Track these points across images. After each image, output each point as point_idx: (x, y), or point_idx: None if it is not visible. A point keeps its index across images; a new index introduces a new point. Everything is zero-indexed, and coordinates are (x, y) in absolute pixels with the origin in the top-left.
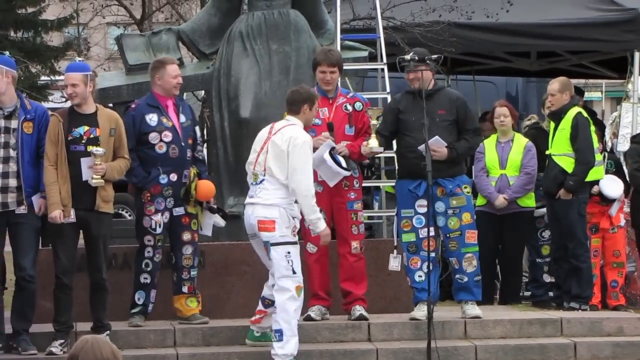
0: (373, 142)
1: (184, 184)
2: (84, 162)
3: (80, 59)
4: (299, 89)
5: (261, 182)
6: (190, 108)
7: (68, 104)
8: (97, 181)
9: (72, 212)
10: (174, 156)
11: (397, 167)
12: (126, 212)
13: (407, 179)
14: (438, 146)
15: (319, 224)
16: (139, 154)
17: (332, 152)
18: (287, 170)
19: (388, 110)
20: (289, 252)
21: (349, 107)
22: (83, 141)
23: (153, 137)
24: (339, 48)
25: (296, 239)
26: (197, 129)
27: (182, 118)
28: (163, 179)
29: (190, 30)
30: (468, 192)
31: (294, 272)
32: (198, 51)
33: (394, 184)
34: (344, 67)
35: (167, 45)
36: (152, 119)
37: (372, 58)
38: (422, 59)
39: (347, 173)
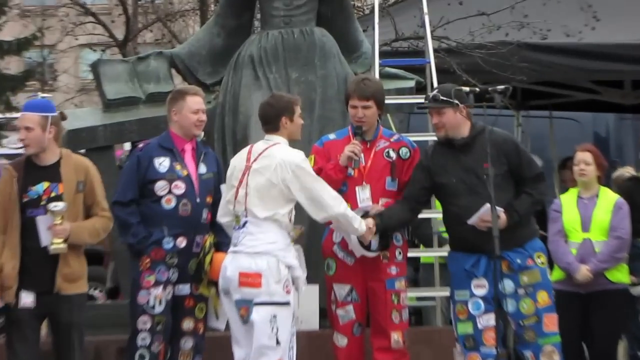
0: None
1: (195, 255)
2: (41, 221)
3: (44, 95)
4: (269, 101)
5: (244, 225)
6: (216, 158)
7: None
8: (57, 246)
9: (31, 295)
10: (184, 214)
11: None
12: (99, 291)
13: (461, 251)
14: (491, 215)
15: (363, 227)
16: (140, 208)
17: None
18: (279, 204)
19: (417, 170)
20: (274, 316)
21: (392, 154)
22: (42, 202)
23: (161, 186)
24: (377, 76)
25: (289, 298)
26: (223, 187)
27: (202, 168)
28: (168, 243)
29: (187, 54)
30: (543, 264)
31: (278, 343)
32: (196, 81)
33: (440, 253)
34: (386, 101)
35: (157, 73)
36: (162, 163)
37: (421, 89)
38: (438, 98)
39: (373, 254)
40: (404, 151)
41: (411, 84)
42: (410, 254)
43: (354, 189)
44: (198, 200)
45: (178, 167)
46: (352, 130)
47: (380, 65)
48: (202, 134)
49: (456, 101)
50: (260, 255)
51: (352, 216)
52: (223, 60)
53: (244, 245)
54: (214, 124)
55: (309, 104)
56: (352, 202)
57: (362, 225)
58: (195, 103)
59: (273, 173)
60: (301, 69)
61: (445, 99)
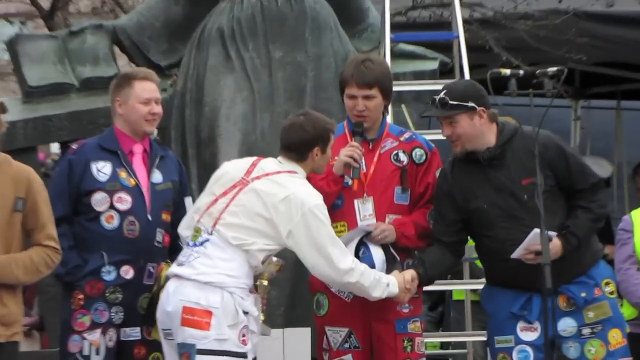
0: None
1: (146, 289)
2: None
3: None
4: (301, 122)
5: (202, 243)
6: (178, 163)
7: None
8: None
9: None
10: (131, 236)
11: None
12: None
13: (502, 287)
14: (541, 243)
15: (392, 291)
16: (73, 229)
17: (366, 240)
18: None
19: (438, 197)
20: None
21: (403, 157)
22: None
23: (100, 200)
24: (387, 56)
25: (246, 349)
26: (188, 200)
27: (157, 176)
28: (108, 274)
29: (135, 27)
30: (612, 294)
31: None
32: (148, 62)
33: (472, 286)
34: (398, 88)
35: (95, 52)
36: (102, 170)
37: (446, 72)
38: (446, 103)
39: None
40: (418, 153)
41: (433, 65)
42: (429, 287)
43: (352, 204)
44: (149, 217)
45: (123, 174)
46: (350, 128)
47: (392, 40)
48: (156, 131)
49: (471, 103)
50: (213, 287)
51: (373, 283)
52: (183, 35)
53: (194, 268)
54: (171, 118)
55: (297, 93)
56: (349, 220)
57: (391, 287)
58: (146, 91)
59: (275, 205)
60: (287, 46)
61: (455, 102)
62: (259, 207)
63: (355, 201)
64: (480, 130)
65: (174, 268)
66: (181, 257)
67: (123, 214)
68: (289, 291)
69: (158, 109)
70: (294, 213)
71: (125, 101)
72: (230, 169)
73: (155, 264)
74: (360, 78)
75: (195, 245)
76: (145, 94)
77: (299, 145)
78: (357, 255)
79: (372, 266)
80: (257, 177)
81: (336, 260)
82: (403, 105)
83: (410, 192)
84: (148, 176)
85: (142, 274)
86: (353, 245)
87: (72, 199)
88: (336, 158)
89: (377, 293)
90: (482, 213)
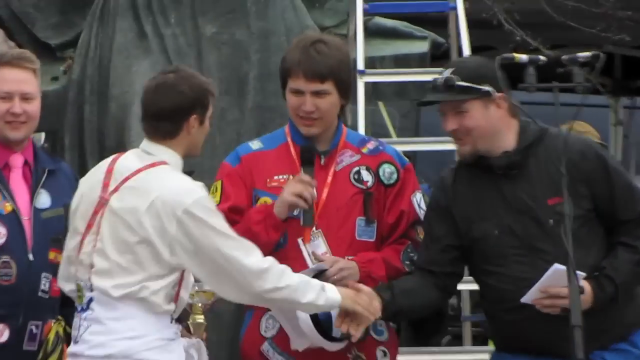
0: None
1: (27, 357)
2: None
3: None
4: (175, 80)
5: (89, 305)
6: (74, 180)
7: None
8: None
9: None
10: (5, 282)
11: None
12: None
13: (513, 352)
14: (564, 286)
15: (331, 297)
16: None
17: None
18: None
19: (431, 214)
20: None
21: (366, 176)
22: None
23: None
24: (359, 34)
25: None
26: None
27: (44, 199)
28: None
29: None
30: None
31: None
32: (32, 40)
33: (476, 356)
34: (373, 79)
35: None
36: None
37: (440, 56)
38: (452, 84)
39: (338, 346)
40: (386, 171)
41: (422, 47)
42: (409, 358)
43: (297, 242)
44: (30, 257)
45: None
46: (298, 142)
47: (365, 12)
48: (42, 137)
49: (487, 87)
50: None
51: (300, 285)
52: (81, 4)
53: (86, 342)
54: (65, 118)
55: (236, 83)
56: (294, 263)
57: (329, 291)
58: (6, 82)
59: (140, 222)
60: (222, 19)
61: (466, 84)
62: (125, 233)
63: (299, 240)
64: (496, 125)
65: (71, 347)
66: (73, 331)
67: None
68: (232, 333)
69: (28, 106)
70: (167, 223)
71: None
72: (85, 188)
73: (39, 322)
74: (309, 67)
75: (82, 310)
76: (5, 85)
77: (170, 113)
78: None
79: (329, 319)
80: (115, 190)
81: (239, 265)
82: (380, 103)
83: (377, 225)
84: (31, 199)
85: (22, 336)
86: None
87: None
88: (279, 197)
89: (309, 297)
90: (491, 241)
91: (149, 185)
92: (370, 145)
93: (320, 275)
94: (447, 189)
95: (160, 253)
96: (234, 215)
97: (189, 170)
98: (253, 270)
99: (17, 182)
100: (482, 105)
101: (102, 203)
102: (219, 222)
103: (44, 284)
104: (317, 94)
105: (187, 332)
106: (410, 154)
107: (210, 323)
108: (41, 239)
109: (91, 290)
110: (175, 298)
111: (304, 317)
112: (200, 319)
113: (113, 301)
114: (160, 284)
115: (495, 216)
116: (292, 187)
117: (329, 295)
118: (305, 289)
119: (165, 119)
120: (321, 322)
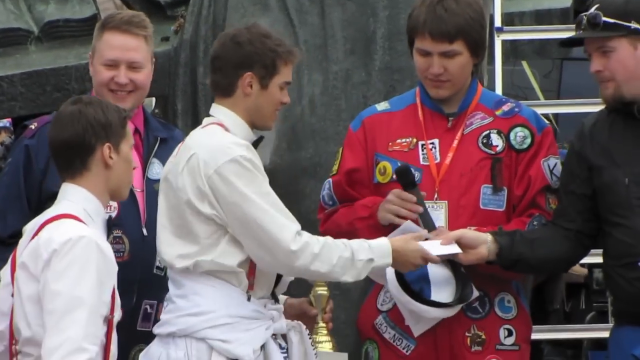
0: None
1: (142, 338)
2: None
3: None
4: (237, 34)
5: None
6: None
7: None
8: None
9: None
10: (118, 259)
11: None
12: None
13: (632, 324)
14: None
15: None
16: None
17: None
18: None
19: (569, 166)
20: None
21: (496, 141)
22: None
23: None
24: None
25: None
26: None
27: (157, 169)
28: None
29: None
30: None
31: None
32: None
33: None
34: (513, 37)
35: None
36: None
37: (583, 11)
38: (597, 21)
39: (441, 314)
40: (519, 135)
41: (564, 1)
42: (537, 336)
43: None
44: (145, 232)
45: None
46: (423, 100)
47: None
48: (152, 103)
49: (636, 24)
50: (174, 338)
51: (337, 265)
52: None
53: (162, 317)
54: (177, 81)
55: (363, 43)
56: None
57: (377, 248)
58: (112, 48)
59: (179, 179)
60: None
61: (612, 21)
62: (170, 196)
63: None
64: (631, 70)
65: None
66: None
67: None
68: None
69: (135, 75)
70: (199, 181)
71: (95, 62)
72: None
73: (154, 302)
74: (436, 27)
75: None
76: (110, 52)
77: (222, 64)
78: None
79: (422, 294)
80: (175, 154)
81: (268, 239)
82: (524, 62)
83: (507, 194)
84: (143, 170)
85: (136, 316)
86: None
87: (32, 205)
88: (380, 206)
89: (350, 275)
90: (619, 189)
91: (191, 144)
92: (506, 107)
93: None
94: (585, 133)
95: (200, 211)
96: (354, 177)
97: (257, 138)
98: (284, 248)
99: None
100: (629, 44)
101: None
102: (253, 187)
103: (159, 261)
104: (446, 54)
105: (309, 305)
106: (551, 117)
107: (336, 300)
108: (155, 212)
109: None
110: (250, 273)
111: (391, 278)
112: (322, 290)
113: (178, 277)
114: (218, 255)
115: (628, 164)
116: (387, 204)
117: (379, 249)
118: (345, 266)
119: (217, 70)
120: (414, 289)
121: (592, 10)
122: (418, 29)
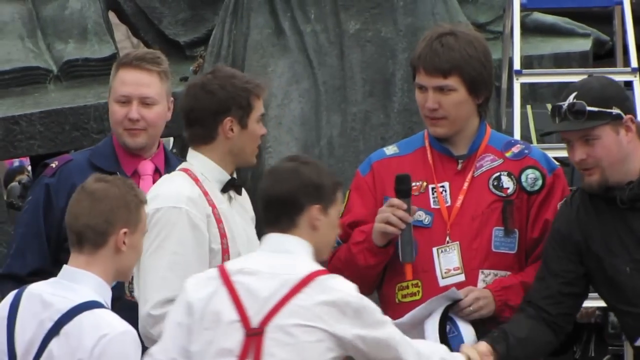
0: None
1: None
2: None
3: None
4: (208, 81)
5: None
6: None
7: None
8: None
9: None
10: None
11: None
12: None
13: None
14: None
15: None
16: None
17: (452, 314)
18: None
19: (550, 249)
20: None
21: (507, 183)
22: None
23: None
24: (515, 30)
25: None
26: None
27: None
28: None
29: None
30: None
31: None
32: (159, 37)
33: None
34: (532, 80)
35: (82, 23)
36: None
37: (603, 56)
38: (582, 110)
39: None
40: (530, 177)
41: (584, 45)
42: None
43: (430, 253)
44: None
45: None
46: (434, 148)
47: (522, 7)
48: (171, 140)
49: (616, 110)
50: None
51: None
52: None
53: None
54: None
55: (382, 84)
56: (425, 278)
57: None
58: (125, 84)
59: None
60: (367, 14)
61: (596, 109)
62: None
63: (434, 250)
64: (625, 152)
65: None
66: None
67: None
68: None
69: (146, 112)
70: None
71: (110, 99)
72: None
73: None
74: (430, 60)
75: None
76: (123, 88)
77: (199, 116)
78: (442, 335)
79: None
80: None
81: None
82: (528, 107)
83: (518, 236)
84: None
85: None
86: (435, 320)
87: (52, 244)
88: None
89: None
90: (623, 278)
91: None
92: (516, 149)
93: (452, 305)
94: (572, 219)
95: None
96: (352, 231)
97: (230, 179)
98: (141, 310)
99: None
100: (612, 131)
101: None
102: (159, 240)
103: None
104: (441, 89)
105: None
106: (564, 160)
107: None
108: None
109: None
110: None
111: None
112: None
113: None
114: None
115: (625, 252)
116: (380, 213)
117: None
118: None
119: (194, 122)
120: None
121: (571, 99)
122: (415, 64)
